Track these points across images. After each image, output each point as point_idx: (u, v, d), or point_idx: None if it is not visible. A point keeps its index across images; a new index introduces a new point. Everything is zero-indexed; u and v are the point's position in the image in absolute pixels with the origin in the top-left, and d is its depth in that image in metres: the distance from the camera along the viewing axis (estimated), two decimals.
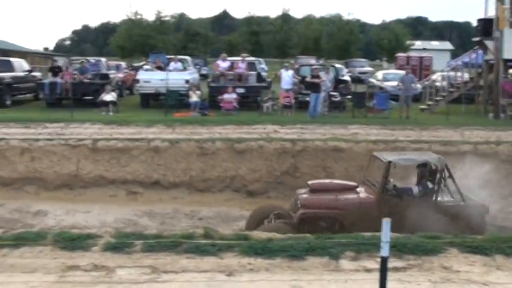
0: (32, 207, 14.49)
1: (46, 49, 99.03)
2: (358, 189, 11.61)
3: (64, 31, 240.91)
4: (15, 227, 11.62)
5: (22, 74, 28.92)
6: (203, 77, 35.62)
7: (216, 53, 52.60)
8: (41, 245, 7.46)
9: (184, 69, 28.27)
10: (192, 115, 22.58)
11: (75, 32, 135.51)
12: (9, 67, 28.14)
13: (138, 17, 60.47)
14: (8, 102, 26.37)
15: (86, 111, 23.09)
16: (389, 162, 11.07)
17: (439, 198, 11.07)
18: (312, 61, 40.16)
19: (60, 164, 16.05)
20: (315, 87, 22.84)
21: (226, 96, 23.90)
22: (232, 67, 26.61)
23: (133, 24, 59.49)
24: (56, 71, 28.48)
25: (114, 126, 18.78)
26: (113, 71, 31.25)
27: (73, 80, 26.16)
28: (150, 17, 61.90)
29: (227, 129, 18.30)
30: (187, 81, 25.89)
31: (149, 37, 57.30)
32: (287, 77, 25.05)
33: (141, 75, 26.98)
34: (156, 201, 15.42)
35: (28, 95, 29.53)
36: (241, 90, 24.94)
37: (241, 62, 26.92)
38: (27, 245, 7.46)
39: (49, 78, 28.02)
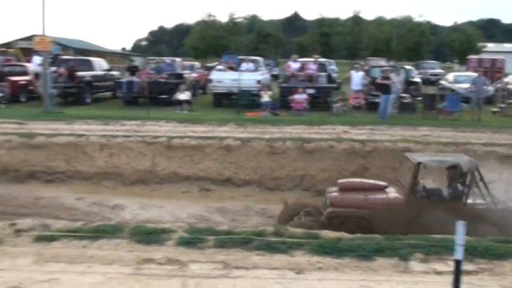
0: (110, 201, 14.75)
1: (124, 49, 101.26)
2: (388, 189, 11.44)
3: (141, 32, 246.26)
4: (94, 220, 11.86)
5: (101, 73, 29.68)
6: (274, 77, 35.63)
7: (286, 54, 52.63)
8: (118, 238, 7.62)
9: (256, 69, 28.35)
10: (263, 115, 22.63)
11: (151, 33, 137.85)
12: (90, 66, 28.95)
13: (212, 18, 61.09)
14: (88, 100, 27.10)
15: (161, 109, 23.49)
16: (419, 163, 10.87)
17: (470, 201, 10.74)
18: (382, 63, 39.66)
19: (137, 160, 16.33)
20: (385, 89, 22.53)
21: (296, 96, 23.85)
22: (303, 68, 26.55)
23: (207, 26, 60.20)
24: (133, 70, 29.11)
25: (187, 124, 19.02)
26: (187, 71, 31.64)
27: (149, 79, 26.62)
28: (223, 18, 62.47)
29: (297, 129, 18.26)
30: (258, 82, 25.98)
31: (222, 38, 57.88)
32: (357, 78, 24.83)
33: (214, 75, 27.22)
34: (227, 198, 15.50)
35: (107, 93, 30.26)
36: (311, 91, 24.85)
37: (312, 63, 26.84)
38: (105, 237, 7.63)
39: (127, 77, 28.68)
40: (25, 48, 33.66)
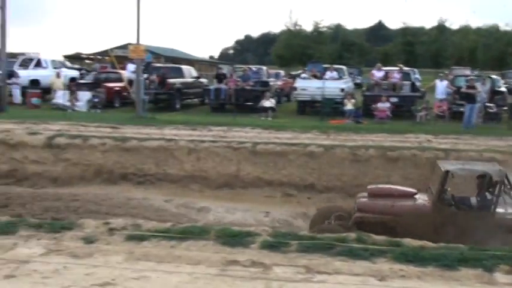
0: (196, 203, 14.92)
1: (211, 57, 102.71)
2: (416, 196, 11.14)
3: (228, 41, 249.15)
4: (181, 221, 12.06)
5: (190, 80, 30.28)
6: (357, 85, 35.39)
7: (370, 63, 52.03)
8: (204, 240, 7.69)
9: (340, 78, 28.23)
10: (346, 122, 22.50)
11: (238, 42, 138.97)
12: (180, 74, 29.60)
13: (297, 27, 61.12)
14: (178, 106, 27.67)
15: (246, 116, 23.70)
16: (447, 171, 10.56)
17: (501, 211, 10.28)
18: (467, 72, 38.63)
19: (223, 164, 16.50)
20: (470, 98, 21.97)
21: (380, 105, 23.59)
22: (387, 76, 26.24)
23: (292, 35, 60.24)
24: (221, 78, 29.57)
25: (272, 131, 19.08)
26: (272, 79, 31.85)
27: (236, 86, 26.95)
28: (308, 27, 62.41)
29: (380, 137, 18.03)
30: (342, 90, 25.89)
31: (307, 47, 57.76)
32: (441, 87, 24.31)
33: (299, 83, 27.30)
34: (309, 203, 15.41)
35: (195, 99, 30.80)
36: (394, 100, 24.54)
37: (396, 72, 26.49)
38: (192, 238, 7.71)
39: (214, 85, 29.13)
40: (119, 56, 34.70)
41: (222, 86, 27.70)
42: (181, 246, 7.49)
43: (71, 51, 56.79)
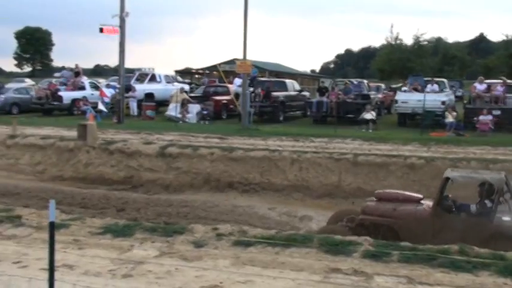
0: (299, 212, 14.91)
1: (313, 71, 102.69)
2: (422, 202, 10.84)
3: (328, 55, 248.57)
4: (285, 228, 12.13)
5: (293, 93, 30.47)
6: (458, 98, 34.35)
7: (471, 76, 50.38)
8: (307, 247, 7.69)
9: (441, 91, 27.54)
10: (447, 135, 21.86)
11: (338, 56, 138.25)
12: (284, 87, 29.86)
13: (398, 42, 60.00)
14: (281, 118, 27.85)
15: (347, 128, 23.50)
16: (447, 178, 10.34)
17: (500, 218, 9.82)
18: None
19: (324, 174, 16.44)
20: None
21: (481, 117, 22.80)
22: (489, 89, 25.32)
23: (393, 49, 59.19)
24: (322, 91, 29.49)
25: (372, 142, 18.85)
26: (373, 92, 31.47)
27: (337, 99, 26.82)
28: (408, 41, 61.07)
29: (482, 150, 17.37)
30: (443, 103, 25.25)
31: (408, 60, 56.54)
32: None
33: (400, 96, 26.86)
34: None
35: (297, 112, 30.89)
36: (497, 112, 23.63)
37: (499, 85, 25.50)
38: (295, 246, 7.74)
39: (316, 98, 29.10)
40: (226, 71, 35.36)
41: (324, 99, 27.62)
42: (285, 253, 7.53)
43: (181, 67, 58.44)
